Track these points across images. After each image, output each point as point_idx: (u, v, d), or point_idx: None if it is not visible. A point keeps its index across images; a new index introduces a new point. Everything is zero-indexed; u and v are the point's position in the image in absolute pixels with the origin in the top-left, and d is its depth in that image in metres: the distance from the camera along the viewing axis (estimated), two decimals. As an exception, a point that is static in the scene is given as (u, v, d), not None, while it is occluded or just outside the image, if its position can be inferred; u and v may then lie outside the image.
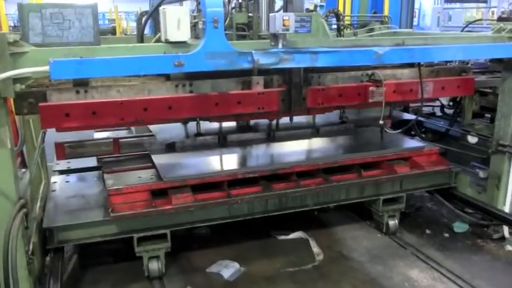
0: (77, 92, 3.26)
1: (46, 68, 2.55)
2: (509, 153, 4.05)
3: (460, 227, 4.40)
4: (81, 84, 3.26)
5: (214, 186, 3.71)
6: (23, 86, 2.72)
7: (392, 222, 4.27)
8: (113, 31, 13.88)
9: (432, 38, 3.85)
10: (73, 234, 3.36)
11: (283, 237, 4.22)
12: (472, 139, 4.76)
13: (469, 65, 4.82)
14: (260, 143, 4.39)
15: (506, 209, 4.14)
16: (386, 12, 6.85)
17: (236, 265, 3.75)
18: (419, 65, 3.99)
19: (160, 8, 3.01)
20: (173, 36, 2.93)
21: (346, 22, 6.00)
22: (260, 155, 4.26)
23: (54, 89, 3.16)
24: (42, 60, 2.58)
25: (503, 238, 4.16)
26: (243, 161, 4.09)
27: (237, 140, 4.37)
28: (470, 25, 7.24)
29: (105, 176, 3.78)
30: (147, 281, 3.57)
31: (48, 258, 3.38)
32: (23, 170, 3.89)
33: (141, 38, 3.90)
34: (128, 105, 3.31)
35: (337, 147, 4.47)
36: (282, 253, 3.96)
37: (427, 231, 4.38)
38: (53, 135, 4.09)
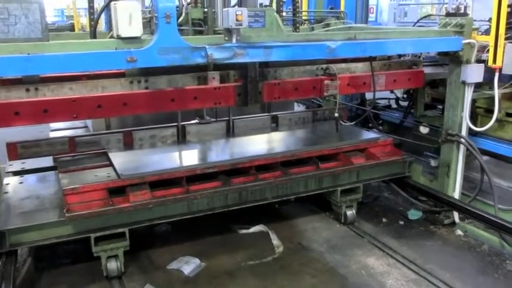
0: (27, 90, 3.17)
1: (-9, 64, 2.48)
2: (457, 142, 4.25)
3: (414, 214, 4.58)
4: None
5: (173, 182, 3.69)
6: (-33, 84, 2.63)
7: (350, 213, 4.39)
8: (72, 28, 13.42)
9: (383, 33, 3.98)
10: (26, 236, 3.26)
11: (244, 231, 4.26)
12: (424, 129, 4.94)
13: (421, 58, 5.00)
14: (219, 138, 4.41)
15: (456, 195, 4.34)
16: (342, 8, 6.98)
17: (197, 261, 3.76)
18: (370, 58, 4.11)
19: (112, 3, 2.97)
20: (125, 32, 2.90)
21: (304, 18, 6.08)
22: (219, 149, 4.27)
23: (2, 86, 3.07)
24: (-13, 57, 2.51)
25: (453, 223, 4.37)
26: (201, 156, 4.09)
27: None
28: (423, 20, 7.46)
29: (60, 175, 3.68)
30: (106, 281, 3.52)
31: (0, 263, 3.27)
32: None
33: (93, 34, 3.81)
34: (81, 103, 3.26)
35: (295, 141, 4.55)
36: (243, 247, 4.00)
37: (384, 220, 4.54)
38: (7, 135, 3.96)
